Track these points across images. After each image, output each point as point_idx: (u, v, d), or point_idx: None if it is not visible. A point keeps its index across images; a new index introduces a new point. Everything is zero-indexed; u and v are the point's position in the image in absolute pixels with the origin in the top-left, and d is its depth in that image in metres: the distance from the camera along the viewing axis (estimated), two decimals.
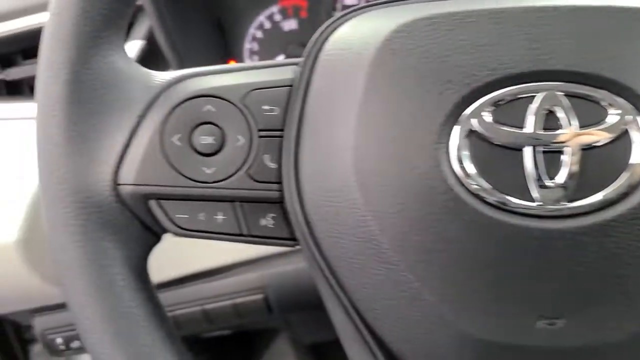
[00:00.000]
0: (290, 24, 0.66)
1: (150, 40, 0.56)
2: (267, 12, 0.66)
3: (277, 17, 0.67)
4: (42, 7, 0.57)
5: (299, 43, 0.65)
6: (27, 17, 0.57)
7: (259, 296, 0.58)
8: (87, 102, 0.30)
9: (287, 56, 0.65)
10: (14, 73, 0.58)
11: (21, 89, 0.59)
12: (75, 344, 0.60)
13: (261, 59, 0.66)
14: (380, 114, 0.28)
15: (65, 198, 0.30)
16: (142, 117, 0.31)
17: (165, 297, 0.61)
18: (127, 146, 0.31)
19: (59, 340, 0.60)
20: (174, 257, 0.57)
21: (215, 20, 0.65)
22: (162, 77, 0.32)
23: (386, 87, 0.28)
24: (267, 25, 0.67)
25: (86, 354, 0.63)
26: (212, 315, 0.59)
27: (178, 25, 0.55)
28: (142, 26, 0.55)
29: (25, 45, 0.58)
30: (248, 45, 0.67)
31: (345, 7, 0.66)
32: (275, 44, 0.66)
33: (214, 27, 0.64)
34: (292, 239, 0.32)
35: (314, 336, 0.85)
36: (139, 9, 0.54)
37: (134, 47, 0.55)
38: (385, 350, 0.31)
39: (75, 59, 0.30)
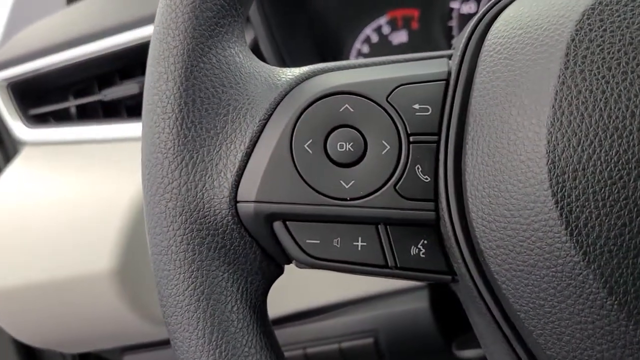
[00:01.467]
0: (400, 37, 0.62)
1: (255, 48, 0.52)
2: (374, 24, 0.62)
3: (386, 30, 0.62)
4: (139, 23, 0.54)
5: None
6: (125, 34, 0.55)
7: (369, 340, 0.52)
8: (203, 102, 0.25)
9: None
10: (111, 93, 0.55)
11: (119, 110, 0.57)
12: None
13: None
14: (585, 107, 0.21)
15: (174, 218, 0.25)
16: (266, 121, 0.26)
17: None
18: (248, 155, 0.25)
19: None
20: (274, 293, 0.52)
21: (321, 35, 0.60)
22: (289, 73, 0.27)
23: (592, 71, 0.21)
24: (375, 38, 0.62)
25: None
26: (315, 359, 0.53)
27: (283, 38, 0.51)
28: (246, 36, 0.52)
29: (123, 65, 0.56)
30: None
31: (462, 15, 0.60)
32: None
33: (319, 43, 0.60)
34: (451, 272, 0.25)
35: None
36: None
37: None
38: None
39: (191, 51, 0.25)
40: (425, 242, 0.25)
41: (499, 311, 0.23)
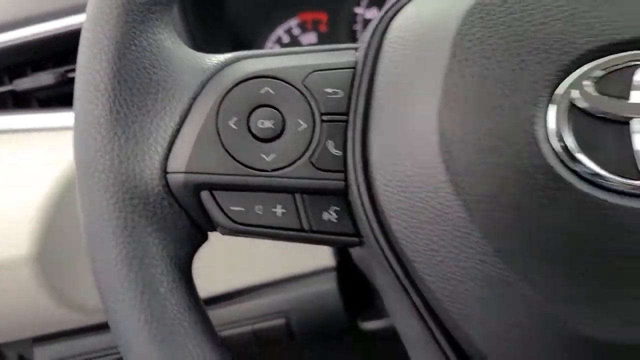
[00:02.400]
0: (310, 38, 0.65)
1: None
2: (286, 25, 0.65)
3: (296, 31, 0.66)
4: (50, 16, 0.54)
5: None
6: (35, 26, 0.54)
7: (281, 321, 0.55)
8: (134, 82, 0.27)
9: None
10: (23, 84, 0.54)
11: (29, 101, 0.56)
12: None
13: None
14: (468, 89, 0.25)
15: (107, 188, 0.27)
16: (194, 100, 0.28)
17: None
18: (177, 131, 0.28)
19: None
20: None
21: (235, 35, 0.63)
22: (215, 58, 0.30)
23: (474, 60, 0.25)
24: (286, 39, 0.66)
25: None
26: (228, 343, 0.55)
27: (202, 39, 0.53)
28: None
29: (34, 56, 0.55)
30: None
31: (365, 20, 0.65)
32: None
33: (234, 41, 0.63)
34: (357, 234, 0.29)
35: None
36: None
37: None
38: (462, 353, 0.27)
39: (123, 35, 0.27)
40: (337, 208, 0.29)
41: (398, 264, 0.27)
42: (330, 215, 0.28)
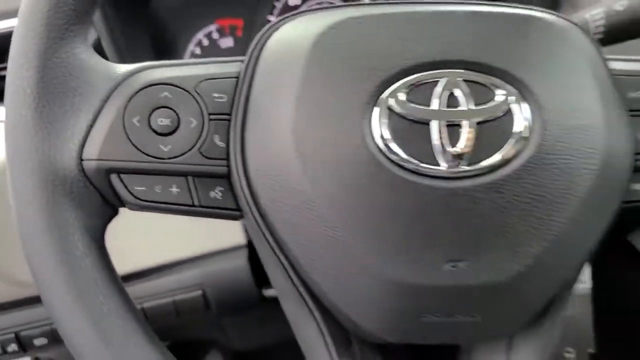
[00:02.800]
0: (227, 42, 0.71)
1: (98, 48, 0.59)
2: (206, 30, 0.71)
3: (215, 35, 0.71)
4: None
5: None
6: None
7: (198, 292, 0.62)
8: (55, 86, 0.34)
9: None
10: None
11: None
12: (11, 348, 0.61)
13: None
14: (315, 97, 0.33)
15: (33, 172, 0.33)
16: (105, 101, 0.35)
17: None
18: (91, 126, 0.34)
19: None
20: (113, 256, 0.60)
21: (158, 38, 0.68)
22: (124, 68, 0.36)
23: (320, 75, 0.33)
24: (205, 42, 0.71)
25: (22, 357, 0.64)
26: (151, 313, 0.62)
27: (125, 39, 0.59)
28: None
29: None
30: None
31: None
32: None
33: (157, 44, 0.68)
34: (238, 209, 0.36)
35: (246, 343, 0.88)
36: None
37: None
38: (318, 301, 0.36)
39: (46, 48, 0.33)
40: (221, 188, 0.36)
41: (267, 231, 0.35)
42: (216, 193, 0.36)
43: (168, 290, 0.62)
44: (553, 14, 0.36)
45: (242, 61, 0.37)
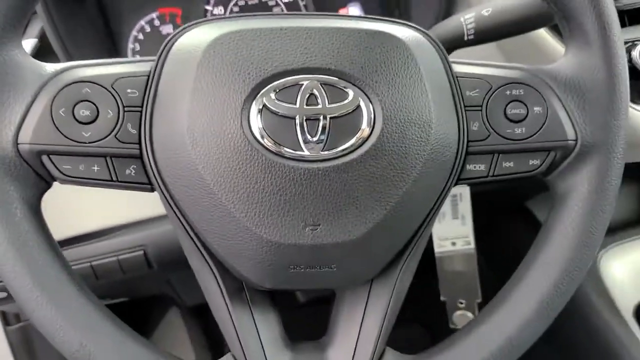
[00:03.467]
0: (167, 28, 0.78)
1: (43, 37, 0.66)
2: (148, 17, 0.78)
3: (156, 22, 0.78)
4: None
5: None
6: None
7: (139, 252, 0.70)
8: None
9: None
10: None
11: None
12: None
13: (141, 57, 0.78)
14: (204, 94, 0.41)
15: None
16: (35, 96, 0.42)
17: None
18: (24, 116, 0.42)
19: None
20: (64, 219, 0.68)
21: (102, 25, 0.75)
22: (52, 67, 0.44)
23: (208, 76, 0.41)
24: (147, 29, 0.78)
25: (11, 304, 0.72)
26: (99, 271, 0.70)
27: (67, 29, 0.65)
28: (36, 26, 0.66)
29: None
30: (131, 45, 0.78)
31: (213, 14, 0.79)
32: (153, 45, 0.78)
33: (100, 31, 0.75)
34: (149, 183, 0.45)
35: (195, 297, 0.97)
36: (33, 13, 0.64)
37: (29, 44, 0.65)
38: (214, 257, 0.45)
39: None
40: (135, 167, 0.44)
41: (171, 201, 0.44)
42: (130, 171, 0.44)
43: (113, 250, 0.70)
44: (409, 27, 0.45)
45: (152, 61, 0.44)
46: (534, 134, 0.45)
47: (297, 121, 0.41)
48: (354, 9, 0.80)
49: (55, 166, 0.43)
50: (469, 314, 0.74)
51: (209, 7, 0.79)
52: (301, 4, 0.80)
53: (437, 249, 0.71)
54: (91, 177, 0.44)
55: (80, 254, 0.70)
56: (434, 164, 0.43)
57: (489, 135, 0.45)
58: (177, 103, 0.42)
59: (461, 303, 0.74)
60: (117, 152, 0.43)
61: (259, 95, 0.41)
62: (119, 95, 0.43)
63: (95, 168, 0.43)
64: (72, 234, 0.69)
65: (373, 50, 0.42)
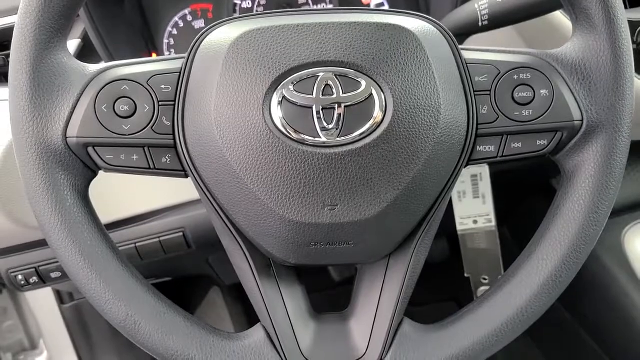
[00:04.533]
0: (199, 23, 0.82)
1: (86, 38, 0.71)
2: (181, 13, 0.82)
3: (189, 18, 0.83)
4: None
5: None
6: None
7: (179, 234, 0.76)
8: (45, 84, 0.46)
9: None
10: None
11: None
12: (33, 280, 0.76)
13: (176, 51, 0.83)
14: (229, 88, 0.45)
15: (31, 146, 0.46)
16: (81, 94, 0.47)
17: None
18: (72, 113, 0.47)
19: (20, 277, 0.76)
20: (111, 204, 0.74)
21: (140, 23, 0.80)
22: (93, 68, 0.48)
23: (232, 72, 0.45)
24: (181, 24, 0.83)
25: (43, 287, 0.79)
26: (143, 251, 0.76)
27: (107, 29, 0.70)
28: (78, 28, 0.71)
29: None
30: (166, 41, 0.83)
31: (243, 9, 0.83)
32: (187, 39, 0.83)
33: (138, 29, 0.80)
34: (183, 170, 0.49)
35: (231, 278, 1.03)
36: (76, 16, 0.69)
37: (73, 45, 0.71)
38: (243, 236, 0.49)
39: (35, 57, 0.45)
40: (170, 155, 0.49)
41: (205, 187, 0.48)
42: (166, 159, 0.49)
43: (155, 232, 0.76)
44: (420, 18, 0.48)
45: (182, 58, 0.49)
46: (541, 116, 0.47)
47: (315, 110, 0.44)
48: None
49: (100, 156, 0.48)
50: None
51: (237, 1, 0.82)
52: None
53: (460, 227, 0.74)
54: (131, 166, 0.48)
55: (126, 236, 0.75)
56: (444, 146, 0.46)
57: (497, 118, 0.48)
58: (205, 97, 0.46)
59: (485, 279, 0.77)
60: (154, 143, 0.48)
61: (278, 88, 0.45)
62: (154, 91, 0.48)
63: (135, 157, 0.48)
64: (118, 217, 0.74)
65: (383, 42, 0.45)
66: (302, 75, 0.45)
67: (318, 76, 0.45)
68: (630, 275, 0.74)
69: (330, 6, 0.84)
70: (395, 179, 0.45)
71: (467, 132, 0.48)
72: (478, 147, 0.49)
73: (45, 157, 0.47)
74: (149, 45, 0.82)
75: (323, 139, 0.44)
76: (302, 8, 0.51)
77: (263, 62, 0.45)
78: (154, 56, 0.84)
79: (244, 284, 0.51)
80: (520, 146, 0.48)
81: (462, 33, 0.62)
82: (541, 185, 0.91)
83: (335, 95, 0.44)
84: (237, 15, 0.83)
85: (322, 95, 0.44)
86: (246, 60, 0.45)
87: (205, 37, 0.48)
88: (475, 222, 0.71)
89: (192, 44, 0.48)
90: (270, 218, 0.46)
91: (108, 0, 0.72)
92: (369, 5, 0.83)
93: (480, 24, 0.60)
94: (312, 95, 0.44)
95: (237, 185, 0.46)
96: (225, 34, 0.47)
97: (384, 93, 0.45)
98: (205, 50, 0.47)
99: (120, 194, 0.74)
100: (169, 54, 0.84)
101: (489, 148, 0.49)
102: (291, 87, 0.45)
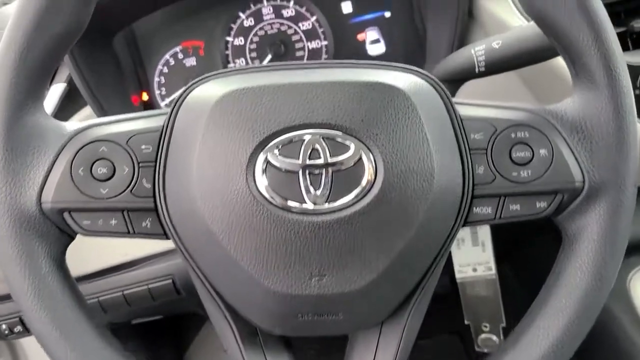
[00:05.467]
0: (191, 61, 0.81)
1: (72, 82, 0.69)
2: (172, 51, 0.81)
3: (180, 55, 0.81)
4: None
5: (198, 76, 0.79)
6: None
7: (168, 281, 0.73)
8: (18, 147, 0.44)
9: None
10: None
11: None
12: (17, 329, 0.74)
13: (167, 89, 0.81)
14: (211, 151, 0.43)
15: (4, 213, 0.44)
16: (57, 156, 0.45)
17: (92, 286, 0.75)
18: (46, 177, 0.44)
19: (4, 327, 0.74)
20: (98, 252, 0.71)
21: (129, 61, 0.78)
22: (71, 127, 0.46)
23: (215, 133, 0.43)
24: (172, 62, 0.81)
25: (27, 337, 0.77)
26: (130, 299, 0.74)
27: (93, 73, 0.68)
28: (63, 72, 0.69)
29: None
30: (157, 79, 0.81)
31: (235, 47, 0.81)
32: (178, 77, 0.81)
33: (127, 67, 0.78)
34: (165, 233, 0.47)
35: None
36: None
37: (58, 89, 0.69)
38: (226, 303, 0.47)
39: (9, 118, 0.42)
40: (150, 219, 0.46)
41: (186, 252, 0.46)
42: (146, 223, 0.46)
43: (144, 280, 0.73)
44: (411, 72, 0.46)
45: (165, 114, 0.46)
46: (540, 177, 0.45)
47: (301, 175, 0.42)
48: (372, 33, 0.80)
49: (76, 222, 0.45)
50: (494, 338, 0.74)
51: (229, 39, 0.81)
52: (319, 30, 0.81)
53: (458, 274, 0.71)
54: (110, 231, 0.46)
55: (113, 283, 0.73)
56: (438, 210, 0.44)
57: (494, 179, 0.45)
58: (187, 158, 0.44)
59: (485, 326, 0.74)
60: (133, 206, 0.45)
61: (262, 151, 0.42)
62: (133, 152, 0.45)
63: (113, 222, 0.46)
64: (105, 265, 0.72)
65: (372, 102, 0.43)
66: (288, 138, 0.42)
67: (304, 139, 0.42)
68: (637, 323, 0.72)
69: (324, 43, 0.82)
70: (387, 247, 0.43)
71: (463, 193, 0.45)
72: (474, 208, 0.46)
73: (19, 224, 0.44)
74: (139, 84, 0.80)
75: (310, 205, 0.42)
76: (290, 62, 0.48)
77: (246, 125, 0.43)
78: (144, 95, 0.82)
79: (227, 351, 0.49)
80: (518, 208, 0.46)
81: (458, 79, 0.59)
82: (543, 223, 0.88)
83: (322, 160, 0.42)
84: (229, 51, 0.82)
85: (309, 159, 0.42)
86: (229, 121, 0.43)
87: (189, 93, 0.46)
88: (474, 270, 0.69)
89: (175, 100, 0.46)
90: (254, 288, 0.44)
91: (94, 42, 0.70)
92: (364, 42, 0.81)
93: (476, 70, 0.58)
94: (298, 159, 0.42)
95: (220, 253, 0.44)
96: (209, 92, 0.45)
97: (374, 156, 0.42)
98: (188, 107, 0.45)
99: (108, 241, 0.71)
100: (159, 93, 0.82)
101: (486, 210, 0.46)
102: (276, 151, 0.42)
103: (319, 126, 0.42)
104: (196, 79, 0.47)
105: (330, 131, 0.42)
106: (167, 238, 0.47)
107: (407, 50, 0.78)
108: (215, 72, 0.47)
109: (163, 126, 0.46)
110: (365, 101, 0.43)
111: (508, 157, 0.45)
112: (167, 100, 0.82)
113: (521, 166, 0.45)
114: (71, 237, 0.47)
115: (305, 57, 0.80)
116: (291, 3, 0.80)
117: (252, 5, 0.80)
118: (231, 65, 0.81)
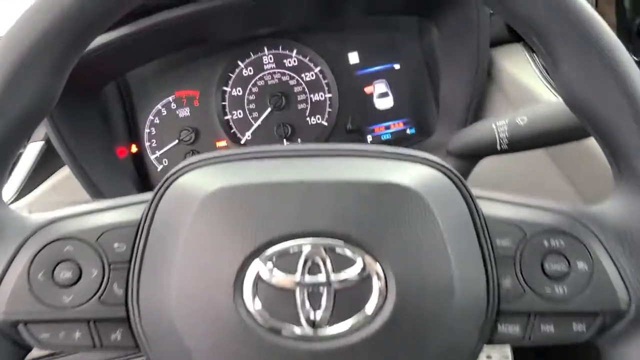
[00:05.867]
0: (184, 112, 0.75)
1: (49, 140, 0.63)
2: (165, 101, 0.75)
3: (173, 105, 0.75)
4: None
5: (192, 128, 0.73)
6: None
7: None
8: None
9: (180, 141, 0.73)
10: None
11: None
12: None
13: (158, 142, 0.75)
14: (195, 259, 0.37)
15: None
16: (14, 256, 0.38)
17: None
18: (1, 279, 0.39)
19: None
20: None
21: (119, 111, 0.72)
22: (34, 220, 0.40)
23: (200, 239, 0.37)
24: (164, 112, 0.75)
25: None
26: None
27: (72, 130, 0.62)
28: (41, 129, 0.63)
29: None
30: (147, 130, 0.75)
31: (232, 97, 0.75)
32: (170, 128, 0.75)
33: (117, 117, 0.72)
34: (137, 346, 0.40)
35: None
36: None
37: (35, 147, 0.63)
38: None
39: None
40: (121, 330, 0.40)
41: None
42: (117, 335, 0.39)
43: None
44: (426, 164, 0.39)
45: (145, 202, 0.40)
46: (578, 295, 0.38)
47: (298, 294, 0.36)
48: (380, 85, 0.74)
49: (32, 335, 0.39)
50: None
51: (227, 89, 0.75)
52: (323, 82, 0.75)
53: None
54: (72, 344, 0.40)
55: None
56: (457, 331, 0.37)
57: (524, 294, 0.39)
58: (166, 264, 0.38)
59: None
60: (101, 316, 0.39)
61: (253, 264, 0.36)
62: (104, 251, 0.39)
63: (77, 335, 0.39)
64: None
65: (382, 207, 0.37)
66: (284, 249, 0.36)
67: (302, 250, 0.36)
68: None
69: (329, 95, 0.76)
70: None
71: (487, 309, 0.39)
72: (500, 326, 0.40)
73: None
74: (129, 135, 0.74)
75: (307, 330, 0.36)
76: (288, 147, 0.42)
77: (235, 232, 0.36)
78: (133, 147, 0.76)
79: None
80: (552, 330, 0.39)
81: (477, 155, 0.53)
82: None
83: (323, 276, 0.36)
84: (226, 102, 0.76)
85: (308, 274, 0.36)
86: (218, 223, 0.37)
87: (173, 181, 0.40)
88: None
89: (156, 190, 0.40)
90: None
91: (78, 98, 0.64)
92: (371, 95, 0.75)
93: (498, 147, 0.51)
94: (295, 275, 0.36)
95: None
96: (196, 184, 0.39)
97: (384, 271, 0.36)
98: (171, 200, 0.39)
99: None
100: (150, 145, 0.76)
101: (514, 329, 0.40)
102: (270, 264, 0.36)
103: (320, 235, 0.36)
104: (180, 165, 0.41)
105: (333, 241, 0.36)
106: (139, 351, 0.41)
107: (416, 106, 0.72)
108: (203, 157, 0.41)
109: (141, 219, 0.39)
110: (373, 205, 0.37)
111: (540, 269, 0.39)
112: (158, 154, 0.76)
113: (555, 280, 0.39)
114: (27, 349, 0.41)
115: (308, 110, 0.74)
116: (294, 52, 0.74)
117: (251, 54, 0.74)
118: (227, 117, 0.75)
